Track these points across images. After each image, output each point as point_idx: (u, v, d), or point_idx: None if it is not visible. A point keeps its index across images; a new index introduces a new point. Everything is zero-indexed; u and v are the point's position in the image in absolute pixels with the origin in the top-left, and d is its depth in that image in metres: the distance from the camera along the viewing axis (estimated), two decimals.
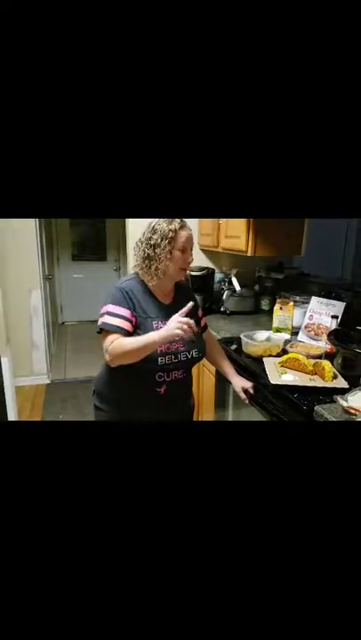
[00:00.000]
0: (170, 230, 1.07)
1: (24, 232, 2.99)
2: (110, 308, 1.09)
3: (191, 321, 1.01)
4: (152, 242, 1.08)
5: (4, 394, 2.20)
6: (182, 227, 1.10)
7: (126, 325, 1.07)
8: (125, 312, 1.08)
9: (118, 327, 1.06)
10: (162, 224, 1.08)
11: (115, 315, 1.08)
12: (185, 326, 0.99)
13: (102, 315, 1.09)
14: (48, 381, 3.30)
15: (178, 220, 1.10)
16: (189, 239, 1.12)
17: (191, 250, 1.14)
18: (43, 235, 3.38)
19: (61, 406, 2.90)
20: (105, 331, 1.08)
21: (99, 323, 1.10)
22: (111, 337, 1.06)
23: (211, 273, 2.35)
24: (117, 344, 1.03)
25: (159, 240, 1.07)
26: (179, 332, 0.98)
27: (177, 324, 0.99)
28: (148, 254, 1.09)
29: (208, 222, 2.30)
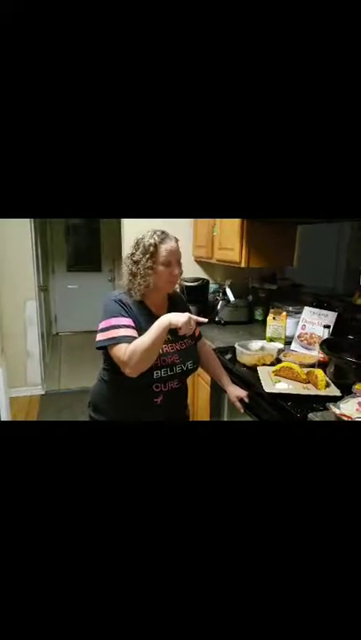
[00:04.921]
0: (150, 245, 1.05)
1: (19, 243, 3.01)
2: (113, 320, 1.06)
3: (195, 323, 1.04)
4: (135, 258, 1.08)
5: None
6: (163, 240, 1.07)
7: (134, 333, 1.05)
8: (128, 321, 1.06)
9: (129, 337, 1.03)
10: (145, 238, 1.07)
11: (120, 326, 1.05)
12: (190, 325, 1.01)
13: (106, 329, 1.06)
14: (42, 392, 3.28)
15: (159, 233, 1.08)
16: (173, 252, 1.08)
17: (179, 262, 1.11)
18: (38, 245, 3.40)
19: (56, 417, 2.88)
20: (113, 345, 1.03)
21: (104, 338, 1.05)
22: (122, 347, 1.02)
23: (205, 284, 2.38)
24: (132, 350, 1.00)
25: (141, 256, 1.06)
26: (185, 325, 0.99)
27: (187, 318, 1.00)
28: (132, 270, 1.08)
29: (202, 234, 2.34)
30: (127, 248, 2.42)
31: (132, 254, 1.09)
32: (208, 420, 1.79)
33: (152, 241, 1.06)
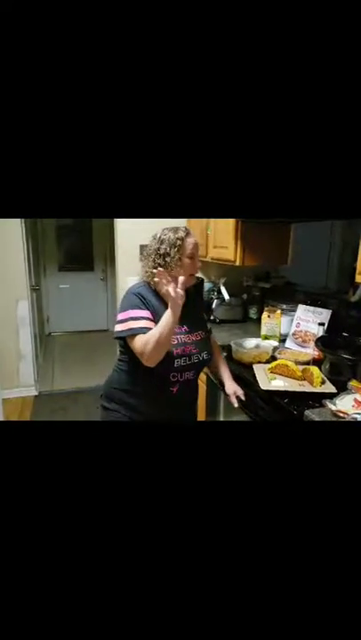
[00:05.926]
0: (177, 239, 1.11)
1: (11, 242, 2.97)
2: (132, 312, 1.10)
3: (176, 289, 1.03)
4: (161, 251, 1.12)
5: None
6: (188, 234, 1.14)
7: (152, 325, 1.09)
8: (147, 313, 1.11)
9: (147, 328, 1.08)
10: (168, 234, 1.13)
11: (139, 318, 1.09)
12: (173, 292, 1.01)
13: (125, 321, 1.10)
14: (35, 393, 3.25)
15: (182, 229, 1.14)
16: (196, 246, 1.15)
17: (198, 256, 1.17)
18: (29, 245, 3.36)
19: (50, 418, 2.85)
20: (132, 336, 1.08)
21: (123, 329, 1.10)
22: (140, 338, 1.06)
23: (200, 282, 2.38)
24: (145, 341, 1.04)
25: (168, 249, 1.11)
26: (178, 300, 1.00)
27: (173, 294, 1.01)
28: (159, 264, 1.12)
29: (197, 233, 2.33)
30: (121, 247, 2.39)
31: (158, 248, 1.13)
32: (204, 416, 1.79)
33: (179, 235, 1.12)
